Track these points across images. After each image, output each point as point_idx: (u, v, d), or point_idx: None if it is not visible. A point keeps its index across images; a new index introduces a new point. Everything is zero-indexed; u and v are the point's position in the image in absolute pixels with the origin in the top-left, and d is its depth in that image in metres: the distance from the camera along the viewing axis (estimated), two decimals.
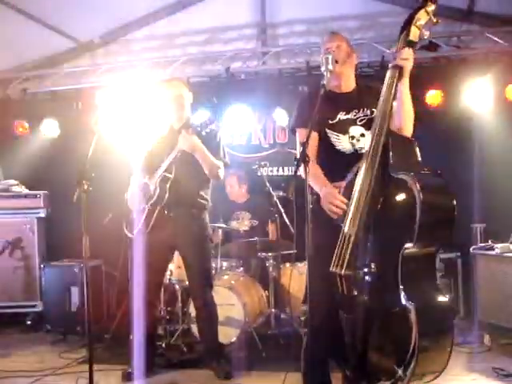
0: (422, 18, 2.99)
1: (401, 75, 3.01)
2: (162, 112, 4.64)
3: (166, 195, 4.22)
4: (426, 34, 3.04)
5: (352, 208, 2.95)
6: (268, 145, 6.82)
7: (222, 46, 6.64)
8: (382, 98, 3.00)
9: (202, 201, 4.41)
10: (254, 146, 6.86)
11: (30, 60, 6.94)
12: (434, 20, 3.01)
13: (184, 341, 5.04)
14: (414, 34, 3.01)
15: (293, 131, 3.50)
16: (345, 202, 2.98)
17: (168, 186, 4.22)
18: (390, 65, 3.04)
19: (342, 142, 3.29)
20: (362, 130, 3.29)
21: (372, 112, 3.26)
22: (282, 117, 6.27)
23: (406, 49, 2.99)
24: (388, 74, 3.02)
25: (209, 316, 4.45)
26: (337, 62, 3.18)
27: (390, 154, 2.91)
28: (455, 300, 5.66)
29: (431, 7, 3.00)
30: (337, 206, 3.00)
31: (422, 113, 5.60)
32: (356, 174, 3.01)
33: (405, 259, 2.79)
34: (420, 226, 2.73)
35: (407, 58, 2.99)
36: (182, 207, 4.31)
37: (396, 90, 2.99)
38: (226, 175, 5.95)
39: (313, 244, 3.11)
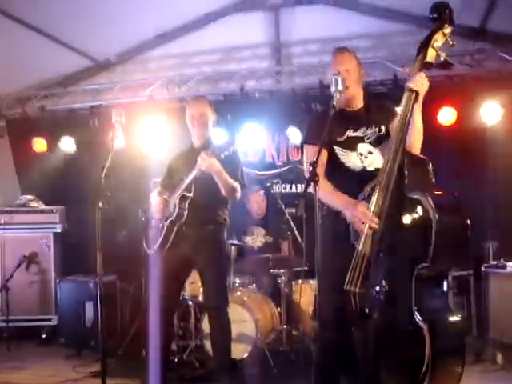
0: (438, 39, 3.01)
1: (416, 98, 3.04)
2: (184, 129, 4.69)
3: (185, 213, 4.26)
4: (443, 55, 3.06)
5: (367, 227, 2.97)
6: (281, 162, 6.87)
7: (237, 65, 6.74)
8: (398, 120, 3.01)
9: (220, 219, 4.45)
10: (267, 164, 6.92)
11: (48, 78, 7.08)
12: (451, 42, 3.04)
13: (196, 357, 5.09)
14: (430, 55, 3.02)
15: (302, 148, 3.53)
16: (377, 222, 2.94)
17: (187, 204, 4.27)
18: (406, 87, 3.05)
19: (351, 159, 3.30)
20: (369, 147, 3.30)
21: (380, 130, 3.29)
22: (295, 135, 6.32)
23: (421, 74, 3.01)
24: (404, 96, 3.02)
25: (223, 333, 4.45)
26: (347, 87, 3.21)
27: (405, 173, 2.94)
28: (468, 318, 5.64)
29: (448, 29, 3.01)
30: (369, 226, 2.95)
31: (435, 131, 5.75)
32: (369, 194, 3.03)
33: (418, 279, 2.80)
34: (435, 247, 2.74)
35: (422, 84, 3.00)
36: (201, 225, 4.34)
37: (412, 111, 3.00)
38: (253, 192, 6.06)
39: (323, 260, 3.15)
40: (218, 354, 4.48)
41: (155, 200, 4.43)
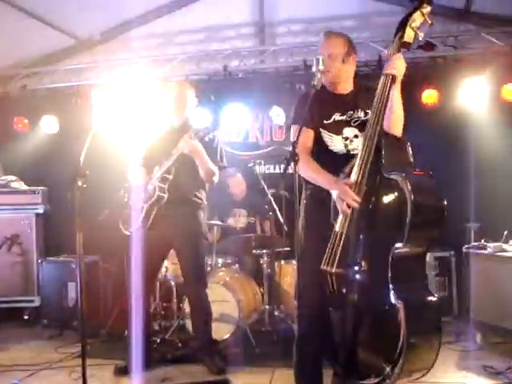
0: (417, 19, 3.01)
1: (393, 81, 3.03)
2: (163, 109, 4.73)
3: (166, 196, 4.30)
4: (421, 35, 3.05)
5: (345, 204, 2.97)
6: (265, 142, 6.84)
7: (220, 45, 6.69)
8: (375, 102, 3.01)
9: (197, 200, 4.50)
10: (251, 144, 6.90)
11: (30, 57, 6.99)
12: (429, 22, 3.03)
13: (179, 336, 5.10)
14: (408, 35, 3.02)
15: (289, 129, 3.54)
16: (358, 202, 2.93)
17: (167, 186, 4.30)
18: (382, 71, 3.05)
19: (335, 143, 3.31)
20: (355, 131, 3.30)
21: (366, 114, 3.27)
22: (279, 115, 6.29)
23: (397, 55, 3.01)
24: (381, 80, 3.03)
25: (202, 313, 4.52)
26: (328, 71, 3.18)
27: (383, 154, 2.94)
28: (449, 299, 5.71)
29: (427, 9, 3.01)
30: (349, 204, 2.95)
31: (418, 112, 5.75)
32: (348, 175, 3.04)
33: (395, 258, 2.81)
34: (410, 227, 2.76)
35: (397, 67, 3.01)
36: (179, 206, 4.38)
37: (389, 95, 3.00)
38: (231, 175, 6.05)
39: (305, 240, 3.16)
40: (199, 334, 4.55)
41: (137, 180, 4.46)
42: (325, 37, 3.36)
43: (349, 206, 2.93)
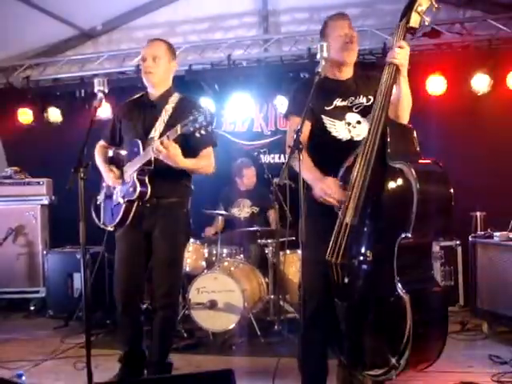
0: (423, 3, 2.94)
1: (398, 71, 2.98)
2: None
3: (148, 191, 3.62)
4: (427, 19, 3.00)
5: (350, 197, 2.94)
6: (270, 132, 6.83)
7: (224, 34, 6.70)
8: (379, 91, 2.97)
9: (184, 189, 3.83)
10: (255, 134, 6.88)
11: (33, 48, 7.01)
12: (435, 6, 2.98)
13: (184, 326, 5.11)
14: (414, 20, 2.96)
15: (286, 117, 3.50)
16: (337, 198, 2.97)
17: (147, 178, 3.63)
18: (386, 60, 3.00)
19: (338, 129, 3.25)
20: (358, 117, 3.25)
21: (368, 100, 3.24)
22: (283, 104, 6.25)
23: (400, 44, 2.95)
24: (385, 69, 2.98)
25: (164, 324, 3.75)
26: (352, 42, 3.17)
27: (388, 142, 2.90)
28: (455, 288, 5.69)
29: None
30: (332, 198, 2.98)
31: (424, 100, 5.71)
32: (352, 164, 2.99)
33: (401, 249, 2.77)
34: (416, 216, 2.71)
35: (401, 56, 2.94)
36: (164, 197, 3.70)
37: (392, 85, 2.95)
38: (245, 167, 6.03)
39: (307, 230, 3.13)
40: (152, 348, 3.81)
41: (106, 170, 3.82)
42: (341, 17, 3.35)
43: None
